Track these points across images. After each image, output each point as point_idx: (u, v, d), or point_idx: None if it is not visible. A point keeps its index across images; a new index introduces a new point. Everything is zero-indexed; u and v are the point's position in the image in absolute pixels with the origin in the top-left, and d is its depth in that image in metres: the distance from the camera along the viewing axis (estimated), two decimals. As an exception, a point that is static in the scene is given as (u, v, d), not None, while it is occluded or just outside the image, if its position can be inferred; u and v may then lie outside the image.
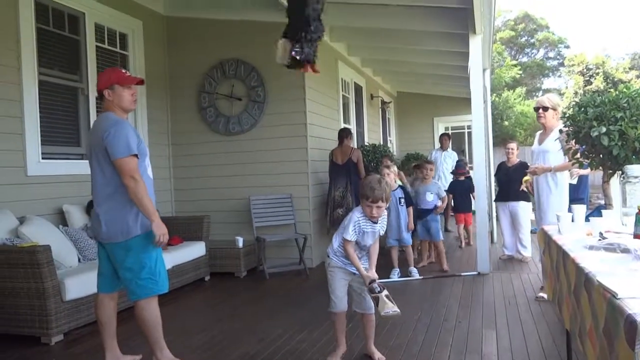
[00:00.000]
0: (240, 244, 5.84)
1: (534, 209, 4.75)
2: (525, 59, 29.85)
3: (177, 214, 6.53)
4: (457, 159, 8.88)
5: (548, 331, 3.53)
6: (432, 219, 5.85)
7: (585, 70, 26.09)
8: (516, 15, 30.24)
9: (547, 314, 3.90)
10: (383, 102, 10.83)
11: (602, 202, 3.70)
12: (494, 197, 7.34)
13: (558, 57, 30.04)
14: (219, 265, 5.85)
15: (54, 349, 3.56)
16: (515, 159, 6.33)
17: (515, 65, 24.62)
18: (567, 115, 3.30)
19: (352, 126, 8.29)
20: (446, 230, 8.44)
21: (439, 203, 5.92)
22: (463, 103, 9.95)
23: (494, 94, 19.34)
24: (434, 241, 5.90)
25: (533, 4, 49.29)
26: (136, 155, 2.84)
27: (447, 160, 9.04)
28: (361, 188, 2.95)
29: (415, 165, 6.85)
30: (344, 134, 6.29)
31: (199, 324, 4.06)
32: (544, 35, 29.75)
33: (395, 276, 5.43)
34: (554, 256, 2.56)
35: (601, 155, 3.05)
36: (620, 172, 2.86)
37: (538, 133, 4.56)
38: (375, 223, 2.99)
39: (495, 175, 6.89)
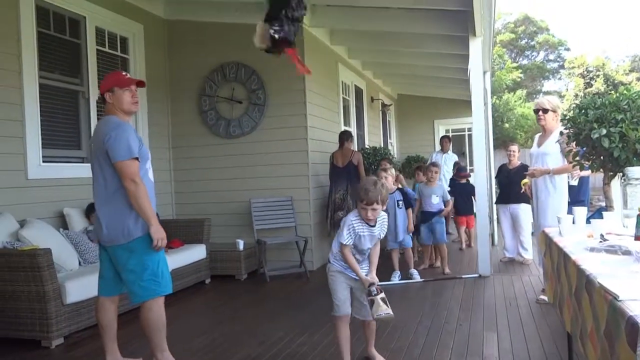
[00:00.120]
0: (241, 247, 5.83)
1: (533, 212, 4.73)
2: (525, 62, 29.87)
3: (178, 217, 6.53)
4: (454, 161, 8.87)
5: (549, 333, 3.52)
6: (437, 221, 5.83)
7: (585, 72, 26.09)
8: (516, 17, 30.28)
9: (548, 316, 3.89)
10: (383, 105, 10.84)
11: (603, 204, 3.70)
12: (494, 200, 7.34)
13: (558, 59, 30.06)
14: (219, 268, 5.84)
15: (54, 352, 3.56)
16: (516, 162, 6.33)
17: (516, 69, 24.63)
18: (568, 117, 3.30)
19: (353, 129, 8.29)
20: (446, 232, 8.43)
21: (442, 206, 5.92)
22: (463, 105, 9.97)
23: (495, 97, 19.34)
24: (438, 243, 5.88)
25: (533, 6, 49.41)
26: (137, 159, 2.84)
27: (447, 163, 9.04)
28: (357, 190, 2.91)
29: (418, 167, 6.83)
30: (344, 136, 6.29)
31: (199, 326, 4.06)
32: (544, 37, 29.77)
33: (396, 279, 5.42)
34: (555, 258, 2.56)
35: (602, 157, 3.05)
36: (621, 174, 2.86)
37: (537, 135, 4.55)
38: (373, 226, 2.93)
39: (496, 177, 6.89)
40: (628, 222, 2.45)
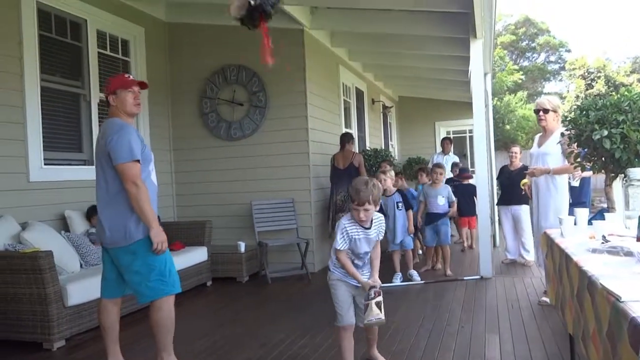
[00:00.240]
0: (242, 249, 5.83)
1: (531, 213, 4.72)
2: (526, 63, 29.87)
3: (179, 219, 6.53)
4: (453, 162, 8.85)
5: (551, 335, 3.51)
6: (442, 222, 5.82)
7: (586, 73, 26.08)
8: (517, 19, 30.29)
9: (551, 318, 3.88)
10: (384, 107, 10.85)
11: (605, 205, 3.69)
12: (496, 201, 7.34)
13: (559, 60, 30.05)
14: (221, 270, 5.84)
15: (55, 354, 3.56)
16: (518, 163, 6.32)
17: (517, 70, 24.63)
18: (569, 118, 3.30)
19: (354, 131, 8.29)
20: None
21: (448, 207, 5.90)
22: (464, 107, 9.97)
23: (496, 98, 19.35)
24: (442, 245, 5.86)
25: (533, 7, 49.40)
26: (138, 161, 2.84)
27: (448, 165, 9.04)
28: (349, 191, 2.82)
29: (421, 168, 6.82)
30: (345, 138, 6.30)
31: (201, 329, 4.06)
32: (544, 39, 29.77)
33: (397, 280, 5.42)
34: (557, 260, 2.55)
35: (603, 159, 3.05)
36: (622, 175, 2.86)
37: (537, 136, 4.54)
38: (368, 228, 2.84)
39: (497, 178, 6.88)
40: (630, 223, 2.45)
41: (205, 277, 5.61)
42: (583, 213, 2.87)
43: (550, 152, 4.21)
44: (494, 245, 7.49)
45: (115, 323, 3.07)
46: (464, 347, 3.38)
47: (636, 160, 2.87)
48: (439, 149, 10.21)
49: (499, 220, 6.89)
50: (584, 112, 3.13)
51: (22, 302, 3.60)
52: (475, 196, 6.25)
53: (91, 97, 5.31)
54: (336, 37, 7.19)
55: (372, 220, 2.85)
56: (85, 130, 5.30)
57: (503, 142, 17.50)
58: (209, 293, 5.44)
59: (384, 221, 2.97)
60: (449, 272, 5.71)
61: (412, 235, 5.60)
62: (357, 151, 7.41)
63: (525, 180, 4.55)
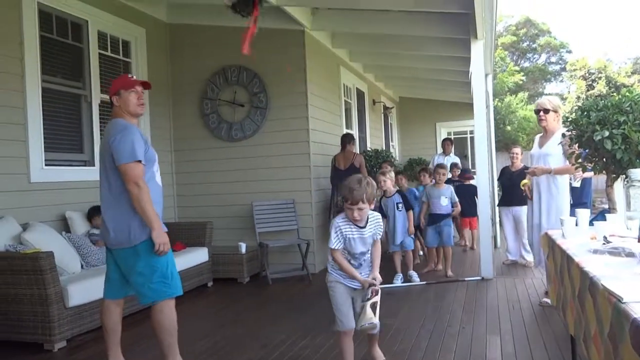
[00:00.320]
0: (243, 250, 5.83)
1: (528, 212, 4.66)
2: (527, 64, 29.85)
3: (180, 220, 6.54)
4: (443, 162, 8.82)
5: (553, 336, 3.51)
6: (445, 223, 5.81)
7: (587, 74, 26.07)
8: (517, 20, 30.26)
9: (552, 319, 3.88)
10: (385, 108, 10.85)
11: (606, 206, 3.68)
12: (497, 202, 7.33)
13: (560, 61, 30.02)
14: (221, 271, 5.84)
15: (56, 355, 3.56)
16: (519, 164, 6.32)
17: (518, 72, 24.62)
18: (570, 119, 3.29)
19: (355, 132, 8.29)
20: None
21: (451, 208, 5.89)
22: (465, 108, 9.97)
23: (497, 99, 19.33)
24: (444, 246, 5.85)
25: (534, 8, 49.38)
26: (141, 161, 2.83)
27: (448, 165, 9.03)
28: (342, 189, 2.72)
29: (423, 169, 6.81)
30: (346, 139, 6.30)
31: (202, 329, 4.06)
32: (545, 40, 29.75)
33: (398, 281, 5.41)
34: (558, 261, 2.55)
35: (604, 159, 3.05)
36: (624, 175, 2.86)
37: (537, 136, 4.52)
38: (363, 227, 2.77)
39: (498, 179, 6.87)
40: (631, 224, 2.44)
41: (206, 278, 5.61)
42: (584, 214, 2.87)
43: (551, 152, 4.20)
44: (495, 246, 7.49)
45: (118, 324, 3.07)
46: (465, 348, 3.38)
47: (637, 161, 2.86)
48: (439, 149, 10.20)
49: (500, 221, 6.88)
50: (585, 113, 3.12)
51: (23, 303, 3.60)
52: (477, 197, 6.25)
53: (92, 98, 5.32)
54: (337, 38, 7.20)
55: (367, 220, 2.79)
56: (86, 131, 5.30)
57: (504, 143, 17.47)
58: (209, 294, 5.44)
59: (380, 220, 2.90)
60: (449, 272, 5.70)
61: (412, 236, 5.59)
62: (358, 152, 7.41)
63: (525, 181, 4.52)
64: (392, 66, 8.90)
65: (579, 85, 26.31)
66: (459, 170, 8.05)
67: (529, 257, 6.03)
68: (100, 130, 5.40)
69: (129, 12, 5.90)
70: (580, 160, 3.27)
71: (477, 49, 5.64)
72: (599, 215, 4.16)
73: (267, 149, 6.28)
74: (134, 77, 3.08)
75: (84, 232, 4.71)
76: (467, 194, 7.23)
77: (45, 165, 4.71)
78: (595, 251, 2.13)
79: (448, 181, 7.77)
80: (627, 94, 3.01)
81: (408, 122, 12.48)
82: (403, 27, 6.14)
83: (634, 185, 2.54)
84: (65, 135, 5.11)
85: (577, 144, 3.26)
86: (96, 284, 3.95)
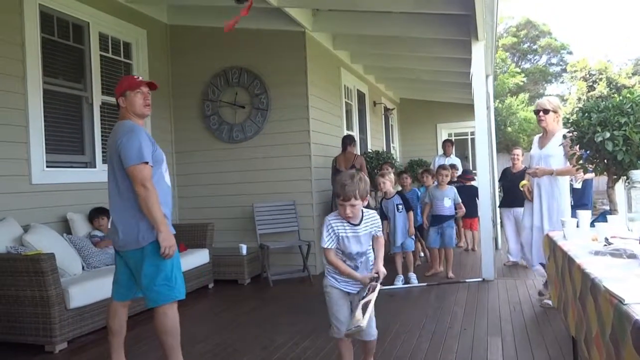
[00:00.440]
0: (244, 252, 5.83)
1: (524, 213, 4.62)
2: (527, 65, 29.84)
3: (181, 221, 6.54)
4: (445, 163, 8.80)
5: (554, 338, 3.50)
6: (447, 225, 5.80)
7: (588, 75, 26.07)
8: (518, 21, 30.26)
9: (553, 321, 3.87)
10: (386, 109, 10.85)
11: (607, 207, 3.68)
12: (498, 203, 7.33)
13: (561, 63, 30.01)
14: (222, 272, 5.84)
15: (57, 357, 3.56)
16: (520, 165, 6.31)
17: (519, 73, 24.62)
18: (571, 120, 3.29)
19: (355, 133, 8.30)
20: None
21: (454, 209, 5.88)
22: (466, 109, 9.97)
23: (497, 100, 19.33)
24: (446, 247, 5.83)
25: (535, 10, 49.43)
26: (148, 163, 2.82)
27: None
28: (334, 186, 2.61)
29: (426, 170, 6.81)
30: (347, 140, 6.30)
31: (202, 331, 4.05)
32: (546, 41, 29.74)
33: (399, 283, 5.41)
34: (560, 262, 2.54)
35: (605, 161, 3.05)
36: (625, 177, 2.86)
37: (537, 137, 4.48)
38: (356, 225, 2.61)
39: (499, 181, 6.87)
40: (632, 226, 2.44)
41: (207, 280, 5.61)
42: (586, 215, 2.86)
43: (552, 153, 4.18)
44: (496, 247, 7.49)
45: (123, 326, 3.06)
46: (467, 350, 3.37)
47: (638, 162, 2.86)
48: (440, 151, 10.21)
49: (501, 222, 6.87)
50: (586, 114, 3.12)
51: (24, 305, 3.61)
52: (477, 198, 6.25)
53: (93, 99, 5.32)
54: (338, 40, 7.20)
55: (362, 218, 2.64)
56: (87, 133, 5.31)
57: (505, 144, 17.47)
58: (210, 295, 5.44)
59: (377, 219, 2.72)
60: (450, 274, 5.70)
61: (413, 237, 5.59)
62: (359, 153, 7.41)
63: (524, 182, 4.48)
64: (392, 67, 8.90)
65: (579, 86, 26.30)
66: (458, 172, 8.05)
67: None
68: (102, 131, 5.41)
69: (130, 13, 5.91)
70: (581, 162, 3.27)
71: (478, 50, 5.64)
72: (600, 217, 4.15)
73: (268, 150, 6.28)
74: (140, 77, 3.07)
75: (85, 234, 4.72)
76: (468, 195, 7.23)
77: (47, 167, 4.71)
78: (597, 253, 2.12)
79: (448, 183, 7.76)
80: (628, 95, 3.01)
81: (409, 124, 12.49)
82: (404, 28, 6.15)
83: (635, 187, 2.54)
84: (66, 137, 5.12)
85: (578, 145, 3.26)
86: (97, 286, 3.97)
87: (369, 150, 8.29)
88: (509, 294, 4.85)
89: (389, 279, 5.28)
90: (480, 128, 5.61)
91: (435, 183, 6.10)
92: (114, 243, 2.98)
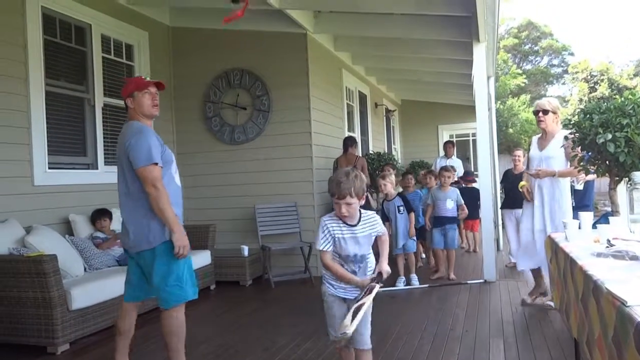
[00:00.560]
0: (246, 253, 5.83)
1: (523, 214, 4.57)
2: (529, 67, 29.83)
3: (183, 223, 6.53)
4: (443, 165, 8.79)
5: (556, 340, 3.50)
6: (450, 227, 5.79)
7: (589, 77, 26.05)
8: (519, 22, 30.26)
9: (555, 322, 3.87)
10: (387, 110, 10.85)
11: (609, 208, 3.68)
12: (499, 205, 7.32)
13: (562, 64, 30.00)
14: (224, 274, 5.84)
15: (60, 358, 3.56)
16: (522, 167, 6.29)
17: (520, 74, 24.61)
18: (573, 122, 3.29)
19: (357, 134, 8.30)
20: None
21: (457, 211, 5.88)
22: (468, 111, 9.95)
23: (499, 102, 19.33)
24: (448, 249, 5.82)
25: (536, 11, 49.42)
26: (158, 164, 2.81)
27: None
28: (329, 184, 2.45)
29: (429, 171, 6.80)
30: (348, 142, 6.30)
31: (204, 333, 4.05)
32: (547, 42, 29.74)
33: (401, 284, 5.41)
34: (561, 264, 2.54)
35: (607, 162, 3.05)
36: (627, 178, 2.85)
37: (535, 138, 4.42)
38: (354, 226, 2.44)
39: (501, 182, 6.86)
40: (635, 227, 2.44)
41: (208, 281, 5.61)
42: (587, 217, 2.86)
43: (553, 155, 4.15)
44: (498, 249, 7.48)
45: (132, 327, 3.07)
46: (469, 351, 3.37)
47: (640, 163, 2.86)
48: (441, 152, 10.21)
49: (503, 223, 6.87)
50: (588, 116, 3.12)
51: (26, 306, 3.61)
52: (479, 199, 6.25)
53: (95, 101, 5.33)
54: (339, 41, 7.21)
55: (360, 218, 2.47)
56: (89, 135, 5.32)
57: (506, 145, 17.47)
58: (212, 297, 5.44)
59: (377, 220, 2.54)
60: (452, 275, 5.69)
61: (414, 238, 5.58)
62: (360, 155, 7.42)
63: (523, 183, 4.44)
64: (394, 69, 8.91)
65: (581, 87, 26.30)
66: (455, 173, 8.03)
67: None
68: (104, 133, 5.42)
69: (132, 15, 5.92)
70: (583, 163, 3.27)
71: (480, 52, 5.65)
72: (602, 218, 4.14)
73: (269, 151, 6.29)
74: (147, 78, 3.06)
75: (87, 235, 4.72)
76: (469, 197, 7.23)
77: (49, 168, 4.72)
78: (599, 254, 2.12)
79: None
80: (630, 96, 3.01)
81: (410, 125, 12.49)
82: (405, 30, 6.15)
83: (637, 188, 2.54)
84: (68, 139, 5.13)
85: (579, 147, 3.25)
86: (99, 287, 3.98)
87: (371, 152, 8.30)
88: (510, 295, 4.85)
89: (391, 281, 5.28)
90: (482, 129, 5.61)
91: (438, 184, 6.10)
92: (125, 244, 2.98)
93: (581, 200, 5.04)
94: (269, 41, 6.29)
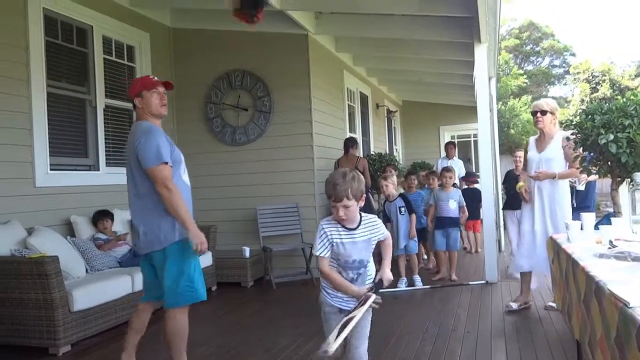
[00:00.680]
0: (247, 254, 5.83)
1: (521, 216, 4.55)
2: (530, 67, 29.81)
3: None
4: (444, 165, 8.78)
5: (558, 341, 3.49)
6: (452, 228, 5.79)
7: (591, 77, 26.03)
8: (521, 23, 30.26)
9: (557, 323, 3.86)
10: (389, 111, 10.85)
11: (611, 209, 3.67)
12: (501, 206, 7.32)
13: (564, 64, 29.99)
14: (225, 275, 5.84)
15: (61, 360, 3.57)
16: (522, 168, 6.30)
17: (521, 75, 24.61)
18: (574, 122, 3.29)
19: (358, 135, 8.30)
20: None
21: (459, 212, 5.87)
22: (469, 111, 9.94)
23: (500, 102, 19.31)
24: (450, 250, 5.81)
25: (537, 11, 49.40)
26: (168, 163, 2.80)
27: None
28: (325, 185, 2.30)
29: (431, 172, 6.80)
30: (349, 143, 6.30)
31: (205, 334, 4.05)
32: (549, 43, 29.73)
33: (402, 285, 5.40)
34: (564, 265, 2.54)
35: (609, 163, 3.04)
36: (629, 179, 2.85)
37: (533, 139, 4.37)
38: (353, 229, 2.29)
39: (503, 183, 6.85)
40: (637, 228, 2.44)
41: (210, 282, 5.60)
42: (589, 218, 2.85)
43: (553, 157, 4.10)
44: (499, 250, 7.47)
45: (144, 326, 3.07)
46: (470, 352, 3.36)
47: (642, 164, 2.86)
48: (443, 153, 10.20)
49: (505, 224, 6.86)
50: (590, 116, 3.12)
51: (28, 307, 3.61)
52: (480, 200, 6.24)
53: (97, 102, 5.34)
54: (340, 42, 7.21)
55: (360, 222, 2.32)
56: (91, 136, 5.32)
57: (508, 146, 17.45)
58: (213, 298, 5.43)
59: (379, 223, 2.39)
60: (454, 276, 5.69)
61: (416, 239, 5.57)
62: (362, 156, 7.42)
63: (521, 183, 4.41)
64: (395, 70, 8.90)
65: (582, 88, 26.27)
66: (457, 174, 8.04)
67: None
68: (105, 134, 5.43)
69: (133, 17, 5.93)
70: (584, 164, 3.26)
71: (481, 53, 5.64)
72: (604, 219, 4.13)
73: (270, 153, 6.29)
74: (155, 77, 3.07)
75: (89, 237, 4.73)
76: (471, 198, 7.22)
77: (51, 169, 4.73)
78: (601, 255, 2.12)
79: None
80: (632, 97, 3.01)
81: (411, 126, 12.49)
82: (407, 31, 6.15)
83: (639, 189, 2.54)
84: (70, 140, 5.14)
85: (581, 148, 3.25)
86: (101, 289, 3.98)
87: (372, 153, 8.30)
88: (512, 296, 4.83)
89: (392, 282, 5.26)
90: (483, 130, 5.61)
91: (440, 185, 6.10)
92: (136, 246, 2.96)
93: (583, 201, 5.02)
94: (270, 42, 6.29)
